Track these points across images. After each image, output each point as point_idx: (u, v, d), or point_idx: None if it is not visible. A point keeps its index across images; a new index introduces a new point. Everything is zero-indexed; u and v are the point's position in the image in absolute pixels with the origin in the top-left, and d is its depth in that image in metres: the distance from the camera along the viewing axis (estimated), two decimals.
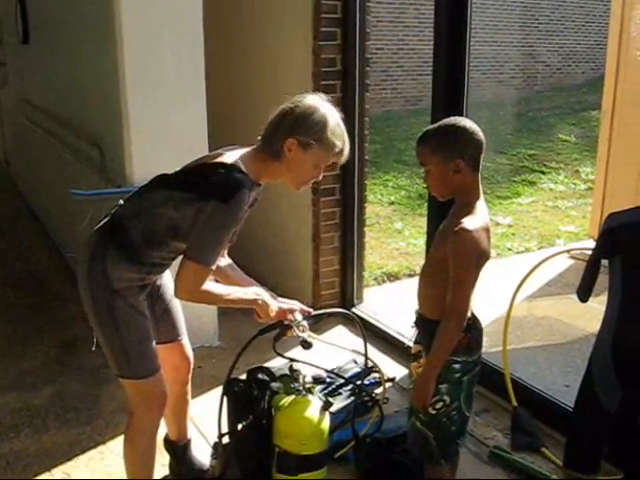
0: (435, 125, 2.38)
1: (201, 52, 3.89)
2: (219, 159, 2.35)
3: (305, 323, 2.58)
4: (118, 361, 2.45)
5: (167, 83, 3.85)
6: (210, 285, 2.34)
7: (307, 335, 2.53)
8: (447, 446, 2.45)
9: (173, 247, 2.42)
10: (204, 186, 2.28)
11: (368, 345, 4.19)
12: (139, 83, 3.81)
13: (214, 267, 2.31)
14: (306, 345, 2.49)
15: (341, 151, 2.40)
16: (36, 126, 6.61)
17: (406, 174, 9.18)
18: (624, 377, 2.36)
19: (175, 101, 3.87)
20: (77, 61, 5.11)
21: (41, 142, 6.49)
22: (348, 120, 4.34)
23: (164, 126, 3.87)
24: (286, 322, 2.57)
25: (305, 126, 2.32)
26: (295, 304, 2.64)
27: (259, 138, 2.41)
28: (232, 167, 2.30)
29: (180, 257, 2.35)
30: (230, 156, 2.36)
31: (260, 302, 2.47)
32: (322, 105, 2.38)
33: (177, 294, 2.33)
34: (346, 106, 4.42)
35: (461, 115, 3.33)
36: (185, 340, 2.80)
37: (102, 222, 2.47)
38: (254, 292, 2.50)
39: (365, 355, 2.88)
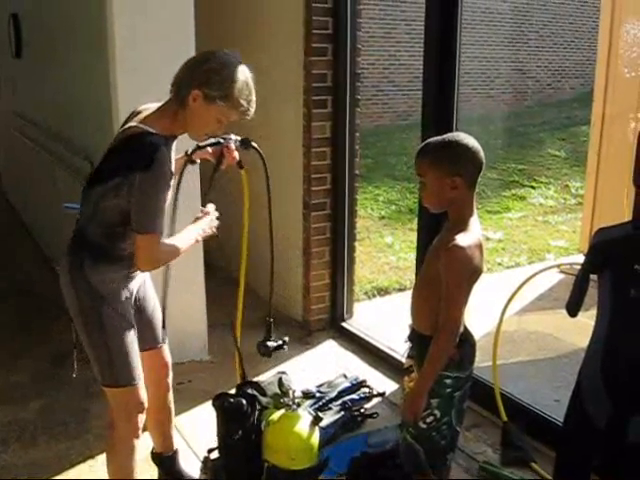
0: (438, 138, 2.37)
1: None
2: (127, 133, 2.38)
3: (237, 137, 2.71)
4: (102, 368, 2.49)
5: (159, 98, 3.84)
6: (163, 247, 2.42)
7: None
8: (437, 460, 2.45)
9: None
10: (125, 163, 2.31)
11: (359, 360, 4.22)
12: (131, 98, 3.79)
13: (163, 231, 2.38)
14: (246, 144, 2.68)
15: (246, 110, 2.42)
16: (28, 139, 6.61)
17: (397, 188, 9.20)
18: (613, 392, 2.36)
19: None
20: (69, 75, 5.11)
21: (33, 155, 6.48)
22: (339, 135, 4.44)
23: None
24: (221, 140, 2.67)
25: (213, 80, 2.34)
26: None
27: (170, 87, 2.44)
28: (141, 134, 2.33)
29: None
30: (136, 126, 2.37)
31: (207, 230, 2.61)
32: (234, 62, 2.39)
33: (141, 269, 2.45)
34: (337, 121, 4.44)
35: (451, 130, 3.34)
36: (165, 345, 2.83)
37: (71, 237, 2.51)
38: (200, 224, 2.60)
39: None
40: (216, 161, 2.70)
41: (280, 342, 2.92)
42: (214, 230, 2.64)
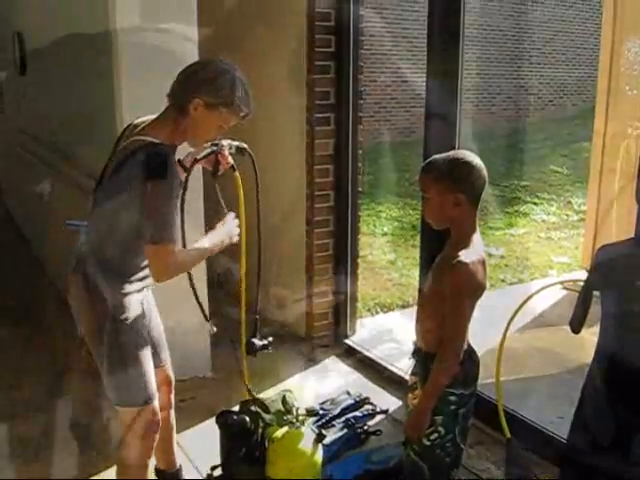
0: (443, 155, 2.40)
1: None
2: (132, 147, 2.36)
3: (231, 143, 2.71)
4: (118, 388, 2.47)
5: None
6: (180, 255, 2.38)
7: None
8: (440, 478, 2.45)
9: None
10: (135, 177, 2.29)
11: (362, 377, 4.21)
12: (134, 111, 3.81)
13: (176, 240, 2.33)
14: (241, 150, 2.70)
15: (246, 115, 2.44)
16: (30, 154, 6.62)
17: (399, 205, 9.21)
18: (617, 409, 2.36)
19: None
20: (72, 90, 5.14)
21: (35, 170, 6.49)
22: (342, 152, 4.45)
23: None
24: (215, 148, 2.64)
25: (212, 88, 2.36)
26: None
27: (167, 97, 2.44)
28: (148, 146, 2.32)
29: None
30: (140, 139, 2.37)
31: (226, 239, 2.55)
32: (229, 69, 2.41)
33: (157, 280, 2.40)
34: (340, 138, 4.46)
35: (453, 147, 3.36)
36: (168, 362, 2.83)
37: (80, 258, 2.49)
38: (220, 233, 2.55)
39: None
40: (213, 169, 2.70)
41: (265, 342, 2.91)
42: (234, 239, 2.61)
